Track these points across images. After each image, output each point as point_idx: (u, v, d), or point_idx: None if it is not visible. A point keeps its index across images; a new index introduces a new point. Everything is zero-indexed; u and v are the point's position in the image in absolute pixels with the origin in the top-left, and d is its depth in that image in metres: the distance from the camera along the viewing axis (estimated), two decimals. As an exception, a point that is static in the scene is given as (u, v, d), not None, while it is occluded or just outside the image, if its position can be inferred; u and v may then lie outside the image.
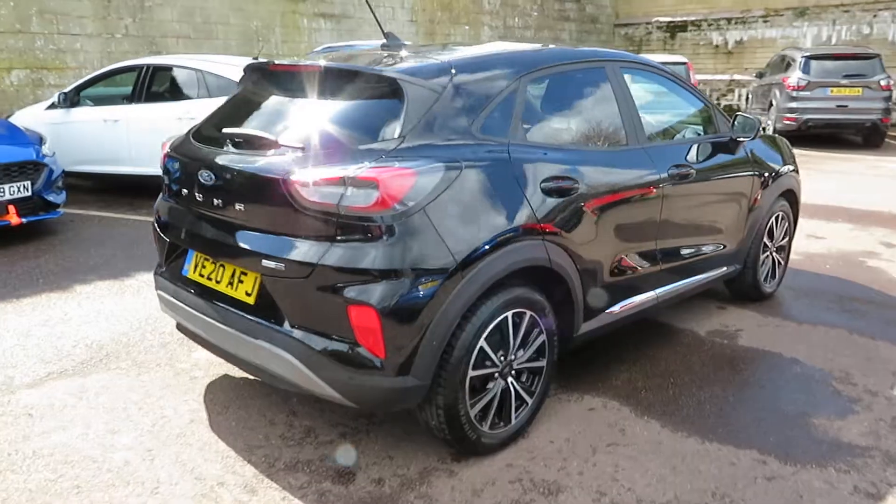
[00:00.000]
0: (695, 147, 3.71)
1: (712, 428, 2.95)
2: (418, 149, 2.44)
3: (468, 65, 2.77)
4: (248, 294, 2.58)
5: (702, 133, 3.94)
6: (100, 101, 7.60)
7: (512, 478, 2.60)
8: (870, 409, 3.13)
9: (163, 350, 3.64)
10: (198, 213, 2.77)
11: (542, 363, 2.85)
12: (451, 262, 2.37)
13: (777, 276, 4.60)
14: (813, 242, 5.96)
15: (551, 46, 3.37)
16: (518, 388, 2.77)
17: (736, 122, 3.92)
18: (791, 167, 4.53)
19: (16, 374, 3.37)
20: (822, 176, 9.39)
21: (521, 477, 2.60)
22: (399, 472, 2.61)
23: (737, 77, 16.65)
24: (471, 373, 2.53)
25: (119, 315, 4.14)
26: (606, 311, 3.17)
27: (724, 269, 4.07)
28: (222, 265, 2.70)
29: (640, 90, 3.97)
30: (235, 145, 2.67)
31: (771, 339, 3.89)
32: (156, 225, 3.06)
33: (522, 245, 2.61)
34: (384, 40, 3.13)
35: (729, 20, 17.54)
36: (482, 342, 2.54)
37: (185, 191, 2.80)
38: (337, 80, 2.66)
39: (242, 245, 2.56)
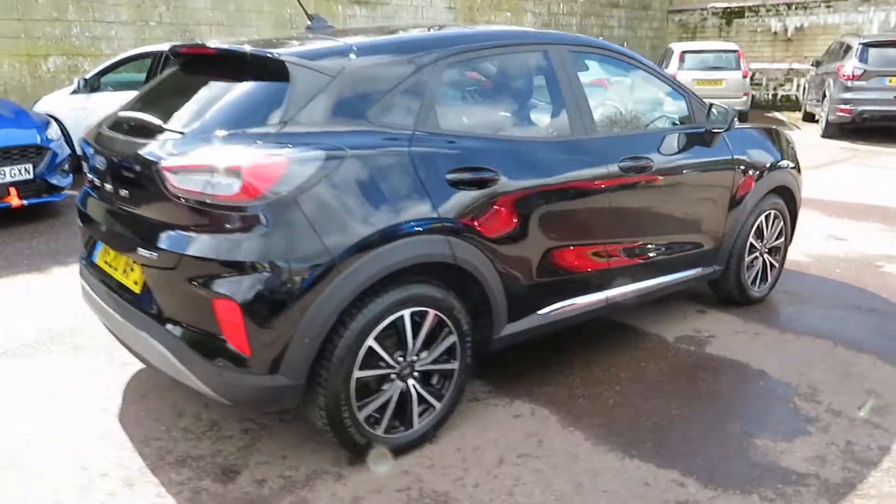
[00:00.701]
0: (660, 138, 3.44)
1: (639, 443, 2.72)
2: (299, 135, 2.30)
3: (373, 48, 2.62)
4: (135, 283, 2.51)
5: (676, 124, 3.66)
6: (120, 86, 7.75)
7: (401, 486, 2.45)
8: (826, 430, 2.83)
9: (108, 336, 3.62)
10: (98, 199, 2.73)
11: (454, 366, 2.69)
12: (325, 257, 2.24)
13: (769, 280, 4.25)
14: (832, 244, 5.52)
15: (494, 28, 3.17)
16: (422, 391, 2.61)
17: (711, 113, 3.61)
18: (789, 163, 4.18)
19: (-42, 353, 3.44)
20: (867, 171, 8.76)
21: (410, 486, 2.45)
22: (286, 474, 2.51)
23: (795, 66, 15.73)
24: (357, 373, 2.39)
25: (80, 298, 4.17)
26: (537, 312, 2.97)
27: (699, 269, 3.78)
28: (119, 253, 2.65)
29: (605, 77, 3.73)
30: (128, 131, 2.60)
31: (743, 349, 3.59)
32: (77, 211, 3.04)
33: (418, 240, 2.44)
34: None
35: (789, 5, 16.58)
36: (371, 341, 2.39)
37: (90, 176, 2.77)
38: (230, 63, 2.55)
39: (126, 232, 2.50)
